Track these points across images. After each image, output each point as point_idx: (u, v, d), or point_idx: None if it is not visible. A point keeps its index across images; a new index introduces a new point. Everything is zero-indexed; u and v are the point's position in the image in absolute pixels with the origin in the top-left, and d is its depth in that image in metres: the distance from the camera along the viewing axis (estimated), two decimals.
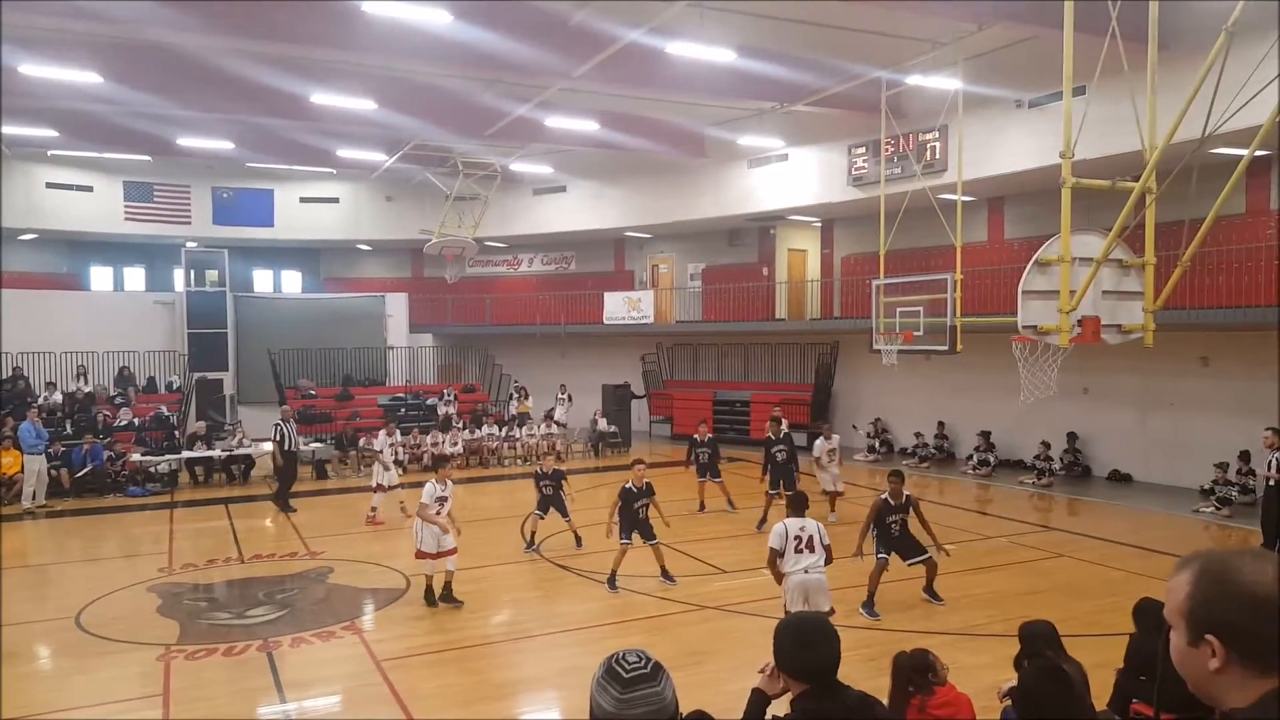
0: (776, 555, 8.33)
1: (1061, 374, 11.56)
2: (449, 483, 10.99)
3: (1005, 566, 12.26)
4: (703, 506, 16.08)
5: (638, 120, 20.81)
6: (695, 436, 16.31)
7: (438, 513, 10.67)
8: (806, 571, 8.20)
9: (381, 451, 16.61)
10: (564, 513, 13.37)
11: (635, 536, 11.41)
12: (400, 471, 20.81)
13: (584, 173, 26.40)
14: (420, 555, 10.71)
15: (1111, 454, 18.94)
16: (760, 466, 15.25)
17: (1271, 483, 12.64)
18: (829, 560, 8.36)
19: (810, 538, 8.28)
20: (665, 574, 11.62)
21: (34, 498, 16.94)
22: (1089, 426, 19.11)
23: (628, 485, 11.54)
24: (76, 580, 12.38)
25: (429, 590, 10.68)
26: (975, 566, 12.16)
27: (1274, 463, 12.60)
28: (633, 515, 11.42)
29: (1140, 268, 10.74)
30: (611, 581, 11.30)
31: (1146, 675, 5.74)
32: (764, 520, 14.37)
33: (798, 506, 8.66)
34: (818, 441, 15.45)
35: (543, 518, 13.45)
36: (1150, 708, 5.56)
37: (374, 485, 15.85)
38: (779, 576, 8.45)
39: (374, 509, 15.67)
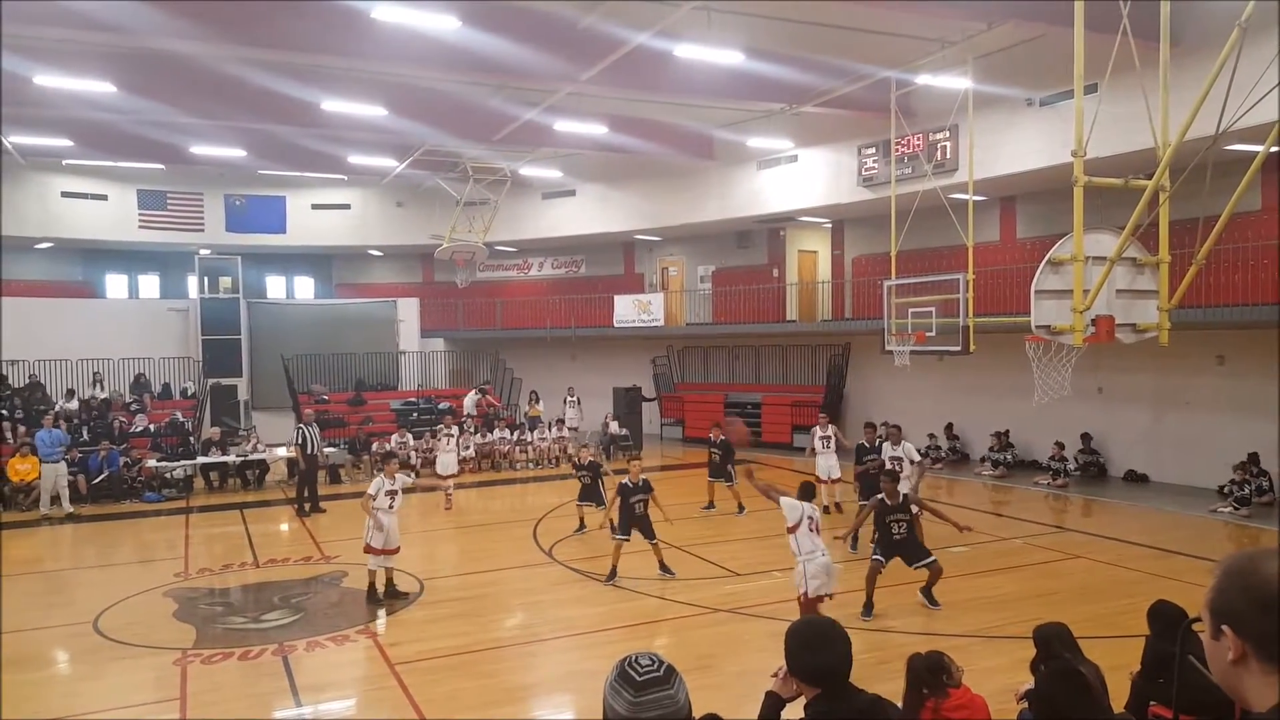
0: (792, 527, 8.60)
1: (1076, 374, 11.51)
2: (397, 478, 11.32)
3: (1020, 568, 12.19)
4: (711, 505, 16.16)
5: (646, 123, 20.83)
6: (710, 437, 16.44)
7: (390, 507, 11.06)
8: (823, 554, 8.48)
9: (440, 441, 18.41)
10: (601, 501, 13.91)
11: (634, 534, 11.62)
12: (413, 476, 20.93)
13: (593, 176, 26.45)
14: (369, 550, 10.95)
15: (1127, 454, 18.81)
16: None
17: None
18: None
19: (817, 522, 8.58)
20: (663, 567, 11.79)
21: (55, 503, 16.98)
22: (1104, 426, 18.99)
23: (624, 481, 11.80)
24: (94, 585, 12.45)
25: (373, 588, 10.98)
26: (990, 568, 12.10)
27: None
28: (629, 510, 11.62)
29: (1154, 266, 10.68)
30: (611, 575, 11.50)
31: (1163, 677, 5.71)
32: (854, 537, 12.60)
33: (807, 494, 8.83)
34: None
35: (584, 505, 14.38)
36: (1169, 710, 5.52)
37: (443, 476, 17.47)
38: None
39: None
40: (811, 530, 8.51)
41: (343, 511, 17.33)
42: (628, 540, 11.60)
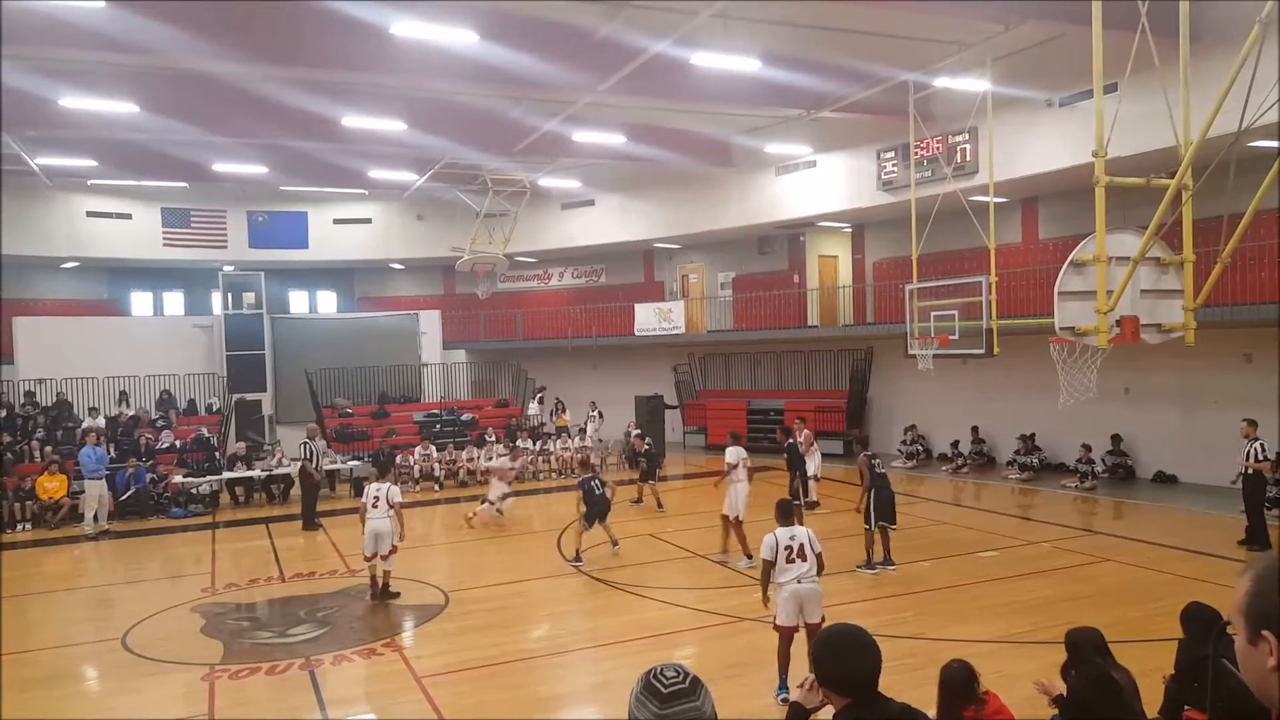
0: (769, 566, 8.01)
1: (1101, 375, 11.39)
2: None
3: (1049, 572, 12.05)
4: (639, 499, 17.64)
5: (664, 131, 20.85)
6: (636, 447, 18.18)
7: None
8: (799, 581, 7.89)
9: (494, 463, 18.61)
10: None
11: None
12: (437, 487, 21.07)
13: (612, 186, 26.51)
14: (395, 551, 11.70)
15: (1155, 455, 18.59)
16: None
17: (1250, 471, 13.11)
18: (821, 569, 8.09)
19: (801, 546, 7.95)
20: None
21: (95, 520, 17.06)
22: (1131, 427, 18.78)
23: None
24: (122, 601, 12.57)
25: (387, 586, 11.74)
26: (1018, 573, 12.00)
27: (1252, 452, 13.09)
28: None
29: (1179, 265, 10.57)
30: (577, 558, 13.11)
31: (1198, 681, 5.62)
32: None
33: (785, 515, 8.36)
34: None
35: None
36: (1203, 715, 5.44)
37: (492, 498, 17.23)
38: (766, 586, 8.20)
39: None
40: (791, 560, 7.91)
41: None
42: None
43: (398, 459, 21.48)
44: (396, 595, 11.71)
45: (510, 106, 18.25)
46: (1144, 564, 12.24)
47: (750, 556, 12.41)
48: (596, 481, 13.67)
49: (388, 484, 11.88)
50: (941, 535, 14.65)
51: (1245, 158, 10.24)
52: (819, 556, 8.01)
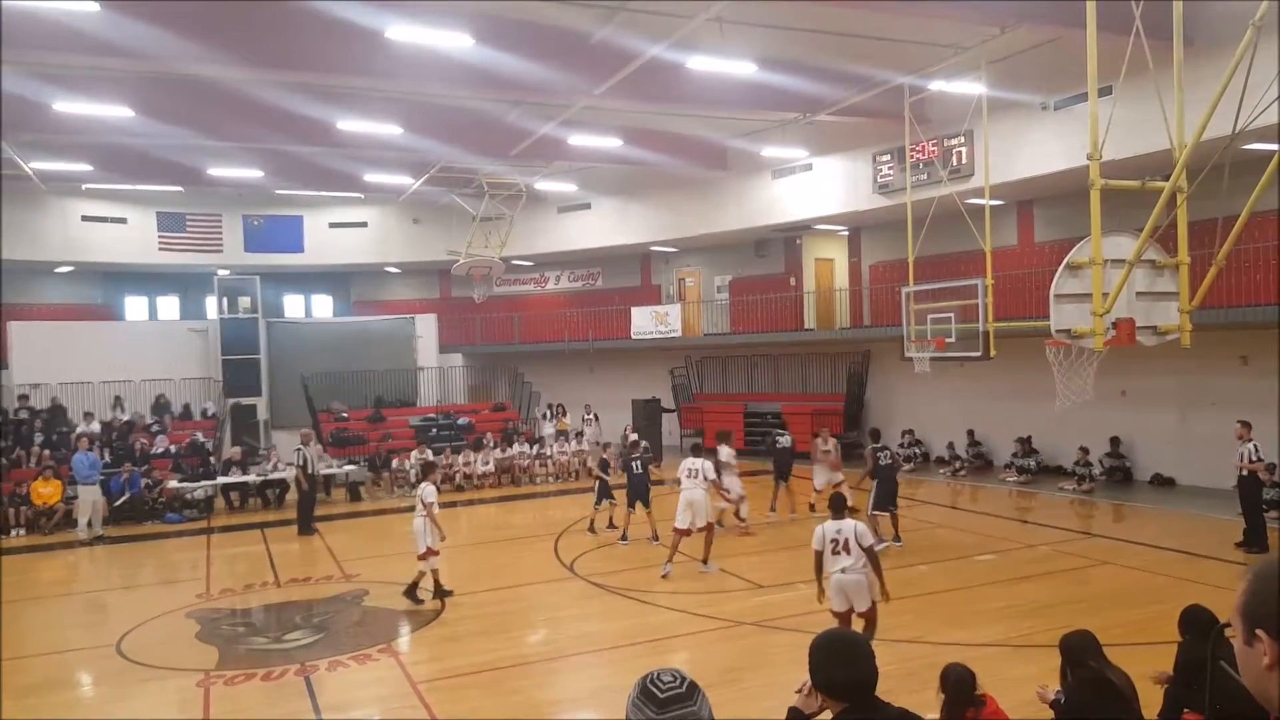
0: (819, 557, 8.40)
1: (1098, 377, 11.38)
2: None
3: (1048, 575, 12.04)
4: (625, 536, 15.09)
5: (660, 135, 20.87)
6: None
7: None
8: (844, 572, 8.25)
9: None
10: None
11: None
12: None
13: (608, 189, 26.50)
14: (432, 553, 11.58)
15: (1153, 457, 18.59)
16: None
17: (1245, 473, 13.22)
18: (876, 565, 8.34)
19: (846, 540, 8.27)
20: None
21: (90, 526, 16.97)
22: (1128, 430, 18.78)
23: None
24: (116, 607, 12.53)
25: (439, 585, 11.68)
26: (1017, 576, 11.99)
27: (1245, 454, 13.21)
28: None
29: (1174, 268, 10.57)
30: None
31: (1197, 683, 5.61)
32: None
33: (837, 508, 8.60)
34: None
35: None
36: (1202, 717, 5.43)
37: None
38: (819, 577, 8.54)
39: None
40: (837, 552, 8.27)
41: (364, 529, 17.41)
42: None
43: (393, 463, 21.46)
44: (420, 602, 11.51)
45: (506, 110, 18.26)
46: (1142, 567, 12.24)
47: (670, 563, 12.41)
48: (637, 461, 14.16)
49: (424, 484, 12.00)
50: (939, 538, 14.64)
51: (1240, 160, 10.25)
52: (868, 551, 8.28)
